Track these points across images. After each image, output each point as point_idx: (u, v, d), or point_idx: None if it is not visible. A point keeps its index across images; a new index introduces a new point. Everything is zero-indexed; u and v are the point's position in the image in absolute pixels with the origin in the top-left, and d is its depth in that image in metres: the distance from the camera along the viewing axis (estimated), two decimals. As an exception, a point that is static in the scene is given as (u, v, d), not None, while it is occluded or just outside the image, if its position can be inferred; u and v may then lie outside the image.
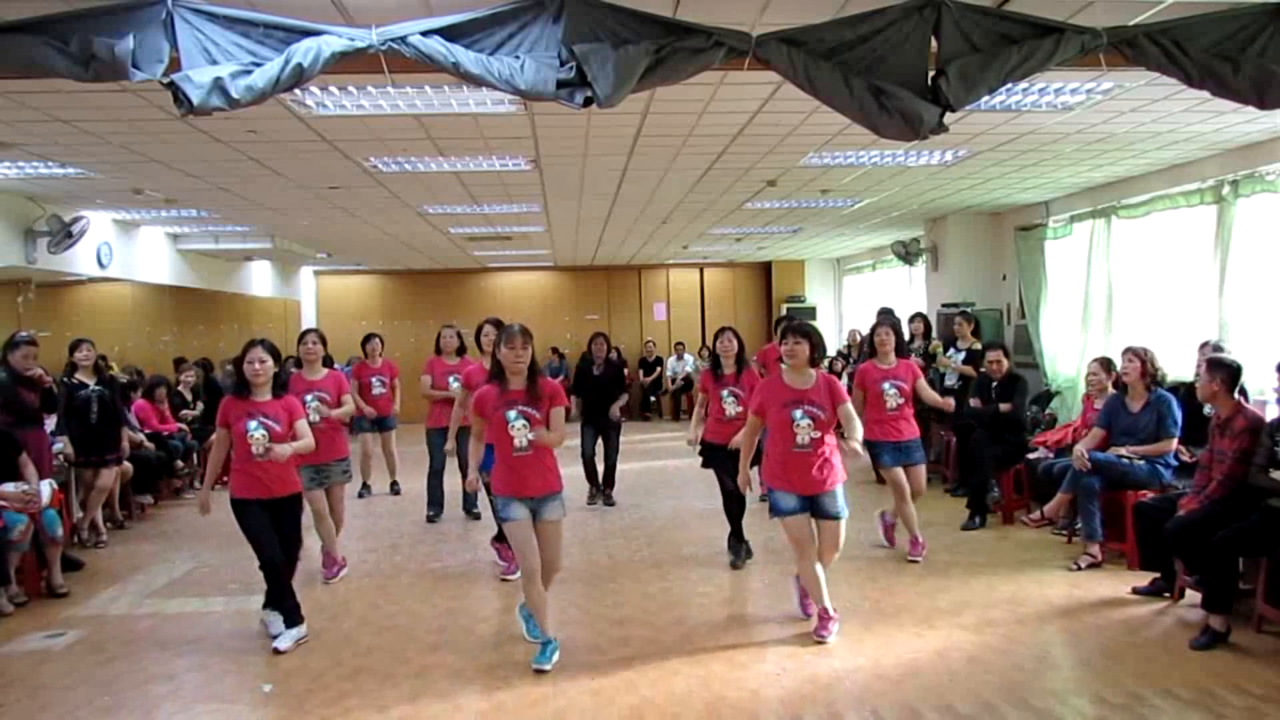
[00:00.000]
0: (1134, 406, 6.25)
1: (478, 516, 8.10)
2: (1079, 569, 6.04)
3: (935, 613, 5.30)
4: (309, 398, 6.29)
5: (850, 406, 4.91)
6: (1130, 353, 6.32)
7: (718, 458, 6.33)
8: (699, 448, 6.62)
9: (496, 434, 4.57)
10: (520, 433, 4.52)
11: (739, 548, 6.46)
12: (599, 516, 8.15)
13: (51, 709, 4.27)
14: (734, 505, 6.41)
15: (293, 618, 5.04)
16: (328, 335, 6.92)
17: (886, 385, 6.43)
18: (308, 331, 6.75)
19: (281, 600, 5.05)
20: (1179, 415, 6.21)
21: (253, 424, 4.92)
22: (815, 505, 4.87)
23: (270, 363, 5.03)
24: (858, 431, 4.84)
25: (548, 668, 4.54)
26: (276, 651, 4.87)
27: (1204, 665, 4.43)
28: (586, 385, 8.63)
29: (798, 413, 4.79)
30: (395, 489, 9.64)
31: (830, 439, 4.87)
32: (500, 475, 4.64)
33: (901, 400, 6.42)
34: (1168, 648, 4.70)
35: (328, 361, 6.89)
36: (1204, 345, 6.67)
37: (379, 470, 9.75)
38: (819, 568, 4.93)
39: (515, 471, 4.57)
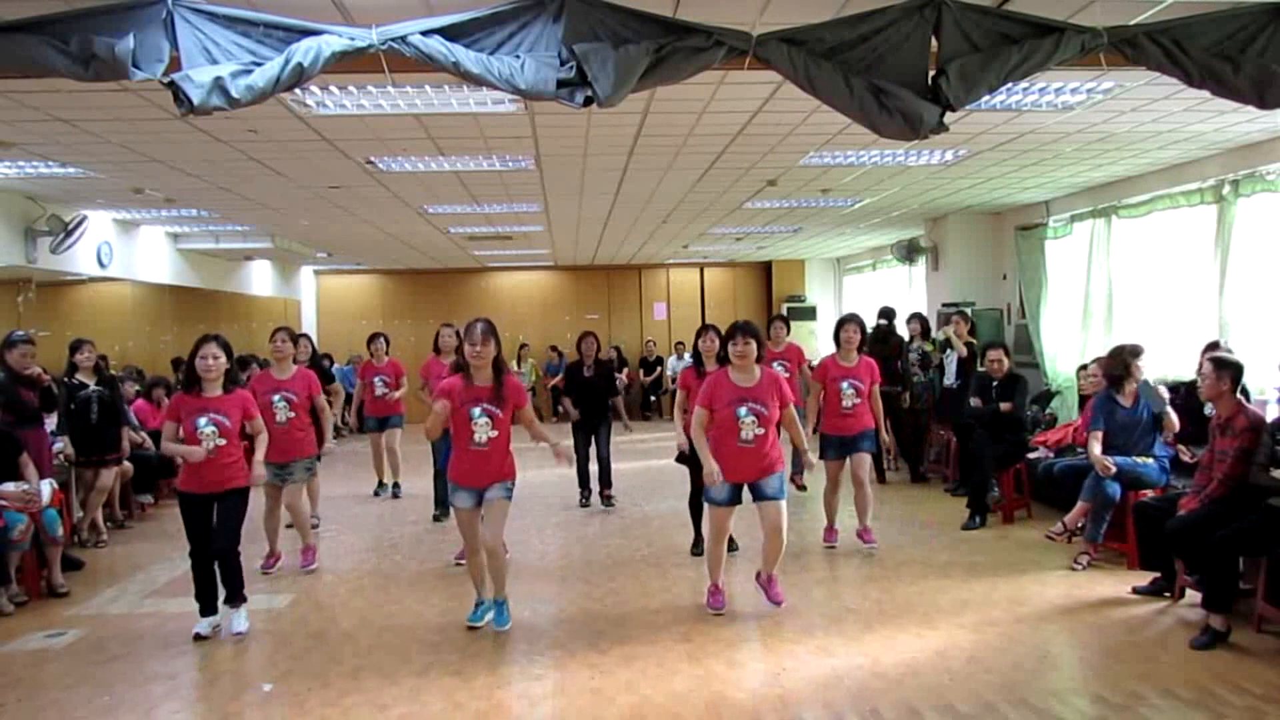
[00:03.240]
0: (1126, 401, 6.28)
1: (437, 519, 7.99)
2: (1079, 569, 6.04)
3: (935, 613, 5.30)
4: (275, 397, 6.38)
5: (792, 410, 5.19)
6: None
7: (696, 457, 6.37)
8: (679, 444, 6.58)
9: (457, 426, 4.75)
10: (482, 429, 4.74)
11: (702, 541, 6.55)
12: (599, 516, 8.14)
13: (51, 709, 4.27)
14: (699, 503, 6.48)
15: (235, 599, 5.20)
16: (328, 335, 6.92)
17: (845, 384, 6.61)
18: (278, 330, 6.78)
19: (226, 589, 5.18)
20: (1165, 393, 6.49)
21: (203, 420, 4.97)
22: (755, 489, 5.11)
23: (223, 359, 5.08)
24: (803, 438, 5.27)
25: (479, 625, 5.10)
26: (237, 635, 5.13)
27: (1204, 665, 4.43)
28: (576, 386, 8.37)
29: (743, 410, 5.01)
30: (395, 491, 9.38)
31: (773, 435, 5.10)
32: (454, 464, 4.92)
33: (858, 400, 6.60)
34: (1168, 648, 4.70)
35: (316, 361, 6.91)
36: (1208, 347, 6.66)
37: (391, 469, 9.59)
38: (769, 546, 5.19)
39: (469, 464, 4.85)
